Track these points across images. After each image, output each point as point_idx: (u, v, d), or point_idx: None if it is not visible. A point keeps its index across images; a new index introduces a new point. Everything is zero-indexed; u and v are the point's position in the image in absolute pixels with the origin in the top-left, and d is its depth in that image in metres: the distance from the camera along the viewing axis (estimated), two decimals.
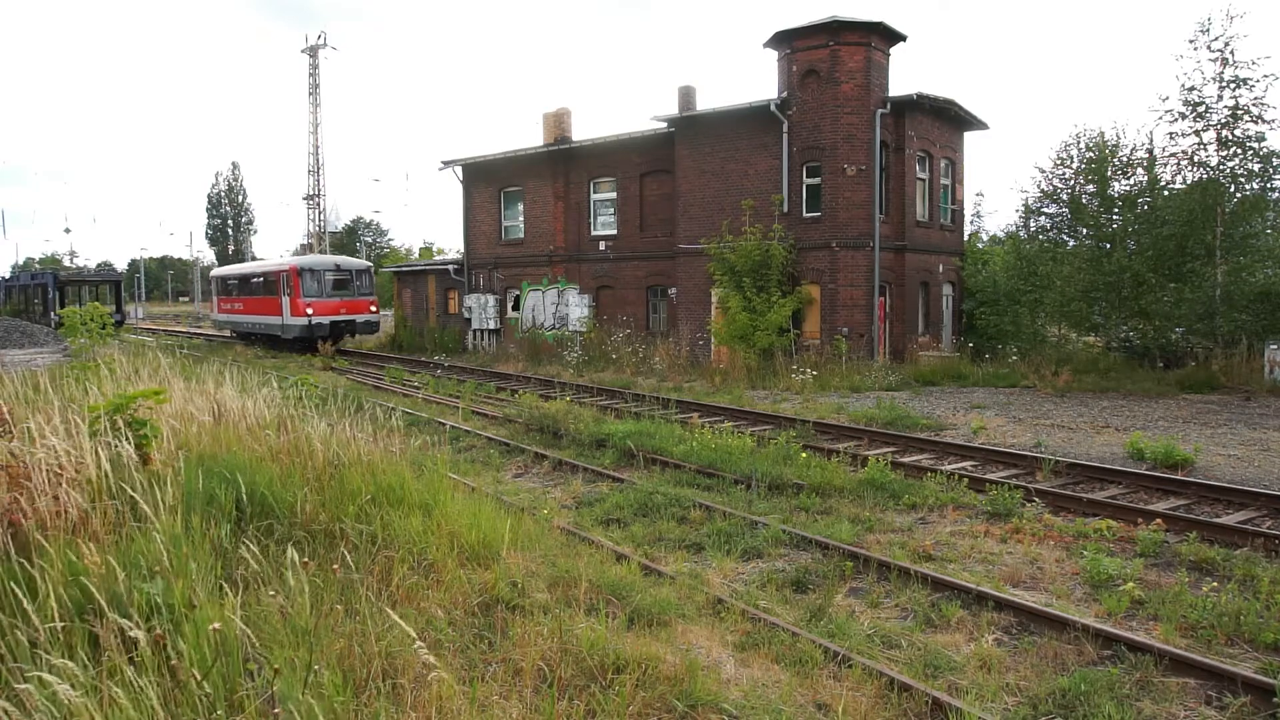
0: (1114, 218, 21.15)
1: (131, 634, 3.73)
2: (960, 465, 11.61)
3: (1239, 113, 18.72)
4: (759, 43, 28.73)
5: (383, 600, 5.18)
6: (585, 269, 28.49)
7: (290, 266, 32.71)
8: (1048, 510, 9.32)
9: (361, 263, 35.46)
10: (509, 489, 10.92)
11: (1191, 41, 19.07)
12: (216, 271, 44.95)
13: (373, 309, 33.90)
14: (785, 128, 22.02)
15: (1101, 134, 21.81)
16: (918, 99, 22.02)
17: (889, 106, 21.75)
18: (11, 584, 4.31)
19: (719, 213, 23.32)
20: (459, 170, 32.17)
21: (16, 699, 3.45)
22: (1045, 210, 22.95)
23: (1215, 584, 6.77)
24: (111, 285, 42.81)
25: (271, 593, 4.60)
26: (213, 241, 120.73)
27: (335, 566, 5.18)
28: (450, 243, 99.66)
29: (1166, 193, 20.10)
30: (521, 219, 30.40)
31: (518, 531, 7.12)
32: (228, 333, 41.29)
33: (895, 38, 21.99)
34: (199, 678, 3.63)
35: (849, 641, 5.97)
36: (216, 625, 3.60)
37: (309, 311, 31.44)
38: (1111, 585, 7.00)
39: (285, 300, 32.63)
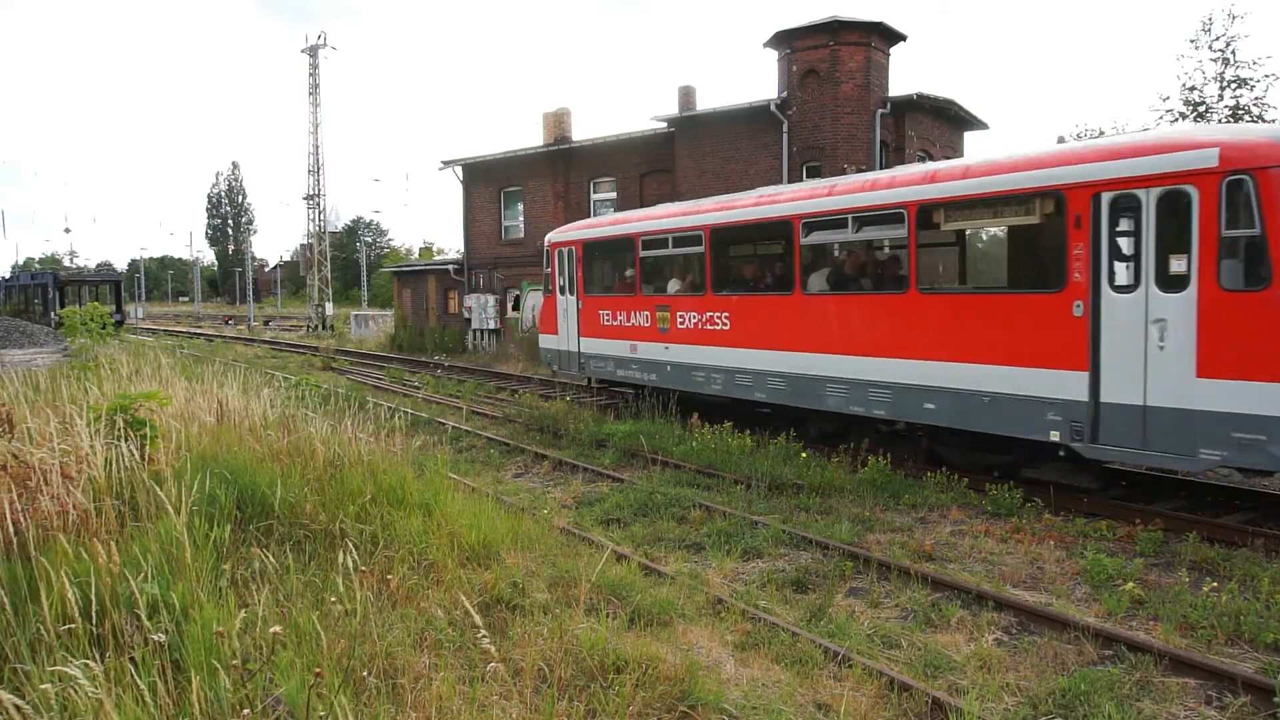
0: None
1: (135, 635, 3.74)
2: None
3: (1239, 112, 18.75)
4: (759, 43, 28.74)
5: (383, 600, 5.18)
6: None
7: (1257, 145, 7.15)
8: (1048, 510, 9.31)
9: None
10: (509, 489, 10.92)
11: (1193, 41, 19.17)
12: (583, 230, 17.09)
13: None
14: (785, 128, 22.02)
15: (1101, 133, 21.83)
16: (918, 99, 22.02)
17: (889, 106, 21.74)
18: (14, 584, 4.32)
19: None
20: (459, 170, 32.15)
21: (19, 695, 3.46)
22: None
23: (1215, 584, 6.78)
24: (111, 285, 42.78)
25: (334, 600, 4.57)
26: (213, 241, 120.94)
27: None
28: (450, 243, 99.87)
29: None
30: (521, 219, 30.39)
31: (518, 531, 7.13)
32: (586, 381, 18.77)
33: (895, 38, 21.99)
34: (204, 678, 3.64)
35: (849, 641, 5.97)
36: (277, 630, 3.59)
37: None
38: (1111, 585, 7.00)
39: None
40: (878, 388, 10.65)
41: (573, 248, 16.85)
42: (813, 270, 11.89)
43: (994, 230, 10.64)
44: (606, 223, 16.66)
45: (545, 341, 18.33)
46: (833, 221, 11.21)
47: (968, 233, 11.13)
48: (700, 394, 13.93)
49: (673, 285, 14.52)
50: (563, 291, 17.29)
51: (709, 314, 13.40)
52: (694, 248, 13.74)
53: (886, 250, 11.48)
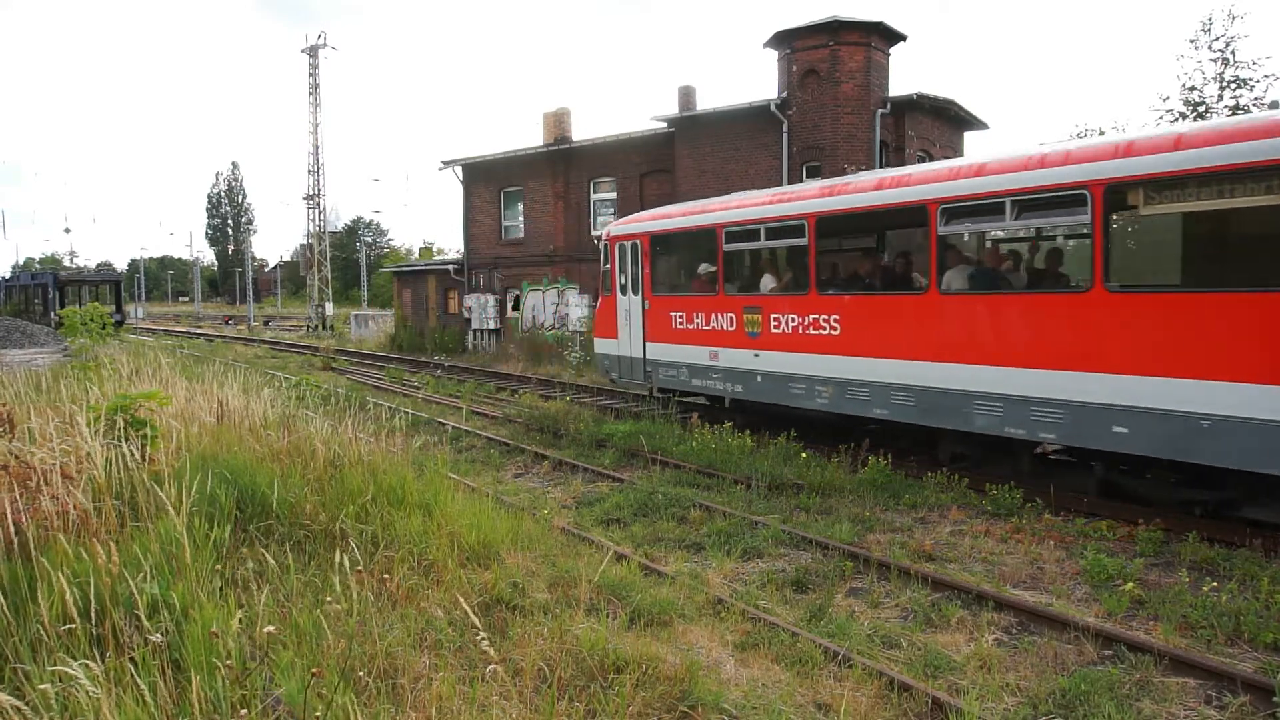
0: None
1: (135, 635, 3.74)
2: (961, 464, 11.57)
3: (1239, 113, 18.75)
4: (759, 43, 28.74)
5: (382, 600, 5.18)
6: (585, 269, 28.47)
7: None
8: (1048, 510, 9.31)
9: None
10: (509, 489, 10.92)
11: (1193, 41, 19.19)
12: (652, 222, 15.04)
13: None
14: (785, 128, 22.02)
15: (1101, 133, 21.84)
16: (918, 99, 22.03)
17: (889, 106, 21.75)
18: (14, 584, 4.32)
19: None
20: (459, 170, 32.16)
21: (19, 695, 3.46)
22: None
23: (1215, 584, 6.78)
24: (111, 285, 42.82)
25: (330, 600, 4.55)
26: (213, 241, 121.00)
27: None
28: (450, 243, 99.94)
29: None
30: (521, 219, 30.39)
31: (518, 531, 7.13)
32: (648, 391, 15.58)
33: (895, 38, 21.99)
34: (204, 678, 3.64)
35: (849, 641, 5.97)
36: (271, 630, 3.61)
37: None
38: (1111, 585, 7.00)
39: None
40: (1044, 406, 8.82)
41: (638, 241, 14.82)
42: (955, 265, 10.00)
43: (1217, 214, 8.21)
44: (679, 213, 14.58)
45: (602, 347, 16.19)
46: (985, 206, 9.29)
47: (1178, 217, 9.04)
48: (798, 408, 12.00)
49: (766, 283, 12.70)
50: (624, 291, 15.26)
51: (813, 316, 11.46)
52: (794, 239, 11.84)
53: (1059, 240, 9.81)
